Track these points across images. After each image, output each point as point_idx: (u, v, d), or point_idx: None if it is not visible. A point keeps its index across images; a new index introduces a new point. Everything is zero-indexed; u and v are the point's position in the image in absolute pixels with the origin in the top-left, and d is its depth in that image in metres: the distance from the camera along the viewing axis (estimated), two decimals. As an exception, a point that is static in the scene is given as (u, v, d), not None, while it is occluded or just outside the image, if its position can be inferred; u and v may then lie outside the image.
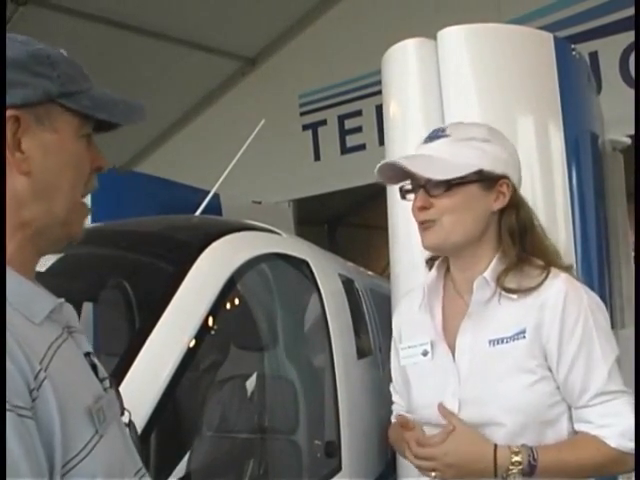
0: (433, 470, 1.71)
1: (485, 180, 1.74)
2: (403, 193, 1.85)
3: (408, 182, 1.83)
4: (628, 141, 3.65)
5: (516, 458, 1.64)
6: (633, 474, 1.66)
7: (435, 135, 1.79)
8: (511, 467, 1.64)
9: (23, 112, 1.04)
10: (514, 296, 1.74)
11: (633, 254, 3.69)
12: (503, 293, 1.75)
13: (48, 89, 1.06)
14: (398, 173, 1.80)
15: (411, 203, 1.85)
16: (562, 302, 1.70)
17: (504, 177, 1.76)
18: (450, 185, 1.72)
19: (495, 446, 1.67)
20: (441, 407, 1.74)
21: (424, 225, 1.77)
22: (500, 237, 1.79)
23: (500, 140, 1.80)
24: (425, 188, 1.75)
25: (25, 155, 1.05)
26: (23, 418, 0.91)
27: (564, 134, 2.50)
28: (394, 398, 2.08)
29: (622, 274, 3.38)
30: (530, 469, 1.64)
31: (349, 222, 13.44)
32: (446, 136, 1.77)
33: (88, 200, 1.18)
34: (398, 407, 2.06)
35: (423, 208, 1.75)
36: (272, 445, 2.46)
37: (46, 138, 1.07)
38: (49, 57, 1.08)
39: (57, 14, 7.56)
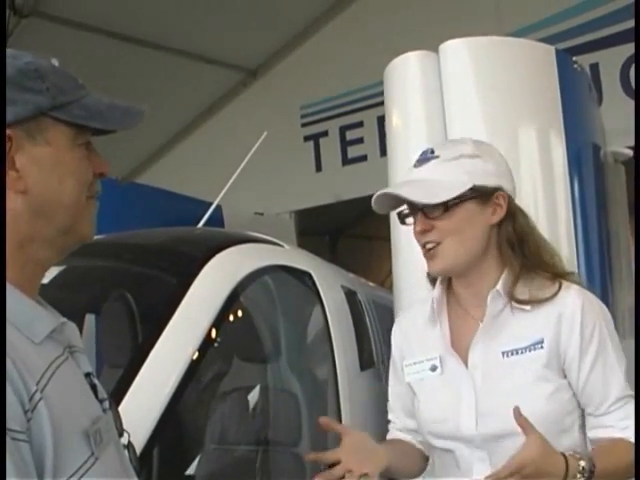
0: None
1: (480, 195, 1.75)
2: (402, 218, 1.86)
3: (405, 207, 1.83)
4: (629, 153, 3.64)
5: (582, 463, 1.61)
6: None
7: (424, 158, 1.79)
8: (579, 475, 1.61)
9: (14, 129, 1.03)
10: (527, 307, 1.75)
11: (633, 266, 3.68)
12: (515, 305, 1.76)
13: (38, 103, 1.05)
14: (394, 200, 1.81)
15: (411, 227, 1.86)
16: (580, 314, 1.73)
17: (498, 189, 1.77)
18: (447, 206, 1.72)
19: (564, 455, 1.63)
20: (522, 419, 1.63)
21: (429, 252, 1.77)
22: (501, 249, 1.80)
23: (488, 153, 1.81)
24: (423, 211, 1.76)
25: (19, 173, 1.04)
26: (17, 442, 0.90)
27: (566, 146, 2.50)
28: (389, 416, 2.07)
29: (623, 286, 3.38)
30: (590, 475, 1.62)
31: (350, 233, 13.40)
32: (435, 157, 1.77)
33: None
34: (392, 425, 2.05)
35: (424, 231, 1.76)
36: (275, 458, 2.45)
37: (40, 153, 1.06)
38: (37, 70, 1.07)
39: (59, 26, 7.56)
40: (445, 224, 1.74)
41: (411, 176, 1.81)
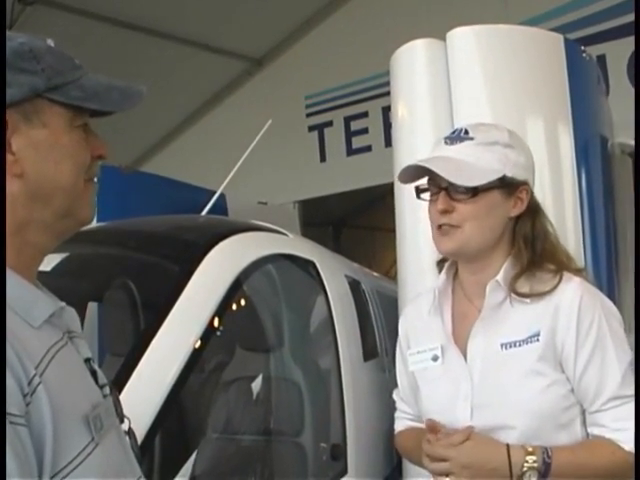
0: (448, 473, 1.68)
1: (507, 186, 1.73)
2: (419, 192, 1.83)
3: (424, 181, 1.81)
4: (637, 144, 3.63)
5: (530, 457, 1.62)
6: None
7: (457, 137, 1.76)
8: (525, 464, 1.62)
9: (10, 112, 1.01)
10: (527, 300, 1.73)
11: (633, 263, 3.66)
12: (515, 297, 1.74)
13: (34, 85, 1.03)
14: (416, 172, 1.78)
15: (419, 206, 1.83)
16: (577, 306, 1.69)
17: (524, 183, 1.76)
18: (476, 191, 1.71)
19: (508, 445, 1.65)
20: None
21: (443, 230, 1.75)
22: (513, 242, 1.79)
23: (520, 145, 1.80)
24: (447, 191, 1.73)
25: (16, 157, 1.02)
26: (15, 426, 0.89)
27: (574, 136, 2.48)
28: (399, 406, 2.06)
29: (629, 278, 3.36)
30: (545, 468, 1.62)
31: (354, 224, 13.43)
32: (470, 139, 1.75)
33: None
34: (404, 415, 2.03)
35: (445, 211, 1.73)
36: (277, 448, 2.44)
37: (36, 135, 1.04)
38: (32, 51, 1.05)
39: (64, 14, 7.55)
40: (468, 208, 1.72)
41: (441, 152, 1.78)
